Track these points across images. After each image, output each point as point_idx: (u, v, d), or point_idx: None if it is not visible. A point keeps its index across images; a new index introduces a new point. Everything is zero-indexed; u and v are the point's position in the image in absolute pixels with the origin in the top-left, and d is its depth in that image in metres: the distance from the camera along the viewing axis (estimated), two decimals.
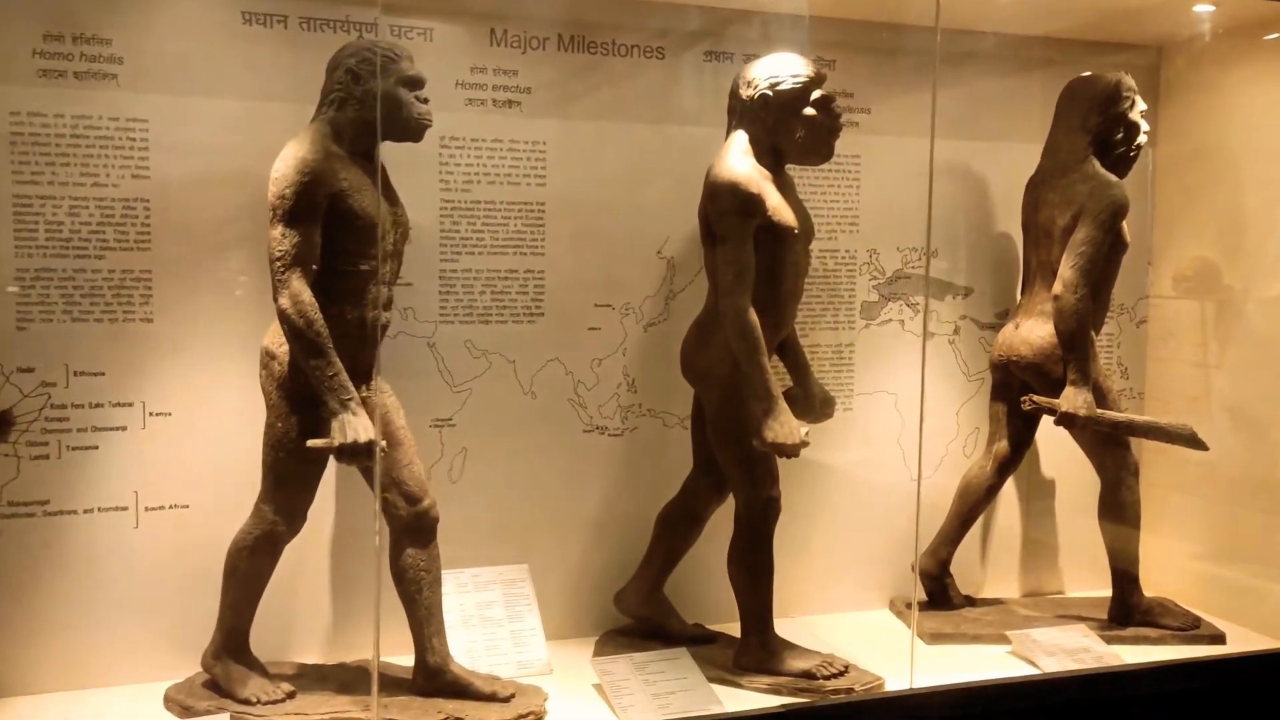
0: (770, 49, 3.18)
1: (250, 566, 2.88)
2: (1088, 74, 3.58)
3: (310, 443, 2.67)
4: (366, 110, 2.77)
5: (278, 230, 2.67)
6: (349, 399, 2.66)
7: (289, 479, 2.82)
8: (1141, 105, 3.57)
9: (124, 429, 3.02)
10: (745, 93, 3.09)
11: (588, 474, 3.53)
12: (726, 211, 3.00)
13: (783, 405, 2.99)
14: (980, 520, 3.91)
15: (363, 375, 2.84)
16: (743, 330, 3.00)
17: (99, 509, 3.02)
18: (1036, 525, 4.14)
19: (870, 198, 3.80)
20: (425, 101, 2.86)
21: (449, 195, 3.31)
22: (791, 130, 3.07)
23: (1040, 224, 3.61)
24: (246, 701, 2.85)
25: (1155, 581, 3.98)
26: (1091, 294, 3.47)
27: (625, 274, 3.52)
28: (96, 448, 3.00)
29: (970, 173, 3.94)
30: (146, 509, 3.07)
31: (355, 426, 2.63)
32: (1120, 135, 3.53)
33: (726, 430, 3.15)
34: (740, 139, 3.10)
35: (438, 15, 3.25)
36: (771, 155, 3.10)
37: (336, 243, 2.74)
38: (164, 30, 2.99)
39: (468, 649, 3.15)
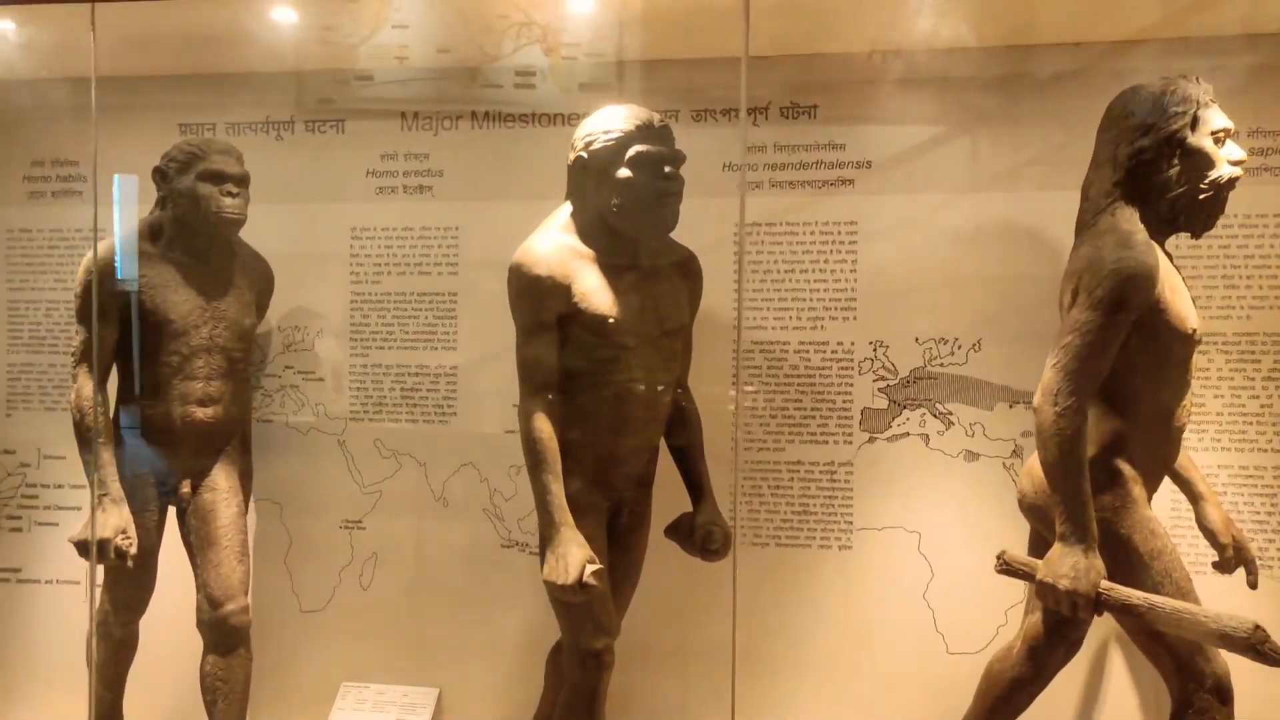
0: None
1: (100, 655, 2.96)
2: (1133, 86, 2.42)
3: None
4: (176, 208, 2.80)
5: (76, 327, 2.79)
6: (104, 495, 2.67)
7: (110, 570, 2.88)
8: (1219, 122, 2.32)
9: (78, 509, 3.32)
10: (569, 156, 2.59)
11: (507, 594, 3.13)
12: (513, 298, 2.52)
13: (566, 535, 2.41)
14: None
15: (184, 470, 2.84)
16: (527, 440, 2.48)
17: (58, 580, 3.33)
18: None
19: (872, 274, 2.94)
20: (233, 195, 2.80)
21: (359, 288, 3.19)
22: (607, 196, 2.50)
23: (1061, 303, 2.50)
24: None
25: None
26: (1115, 404, 2.33)
27: None
28: (57, 524, 3.33)
29: (1037, 234, 2.87)
30: (99, 585, 3.33)
31: (101, 524, 2.63)
32: (1174, 169, 2.32)
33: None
34: (561, 212, 2.59)
35: (350, 105, 3.18)
36: (601, 227, 2.55)
37: (142, 338, 2.79)
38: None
39: None
